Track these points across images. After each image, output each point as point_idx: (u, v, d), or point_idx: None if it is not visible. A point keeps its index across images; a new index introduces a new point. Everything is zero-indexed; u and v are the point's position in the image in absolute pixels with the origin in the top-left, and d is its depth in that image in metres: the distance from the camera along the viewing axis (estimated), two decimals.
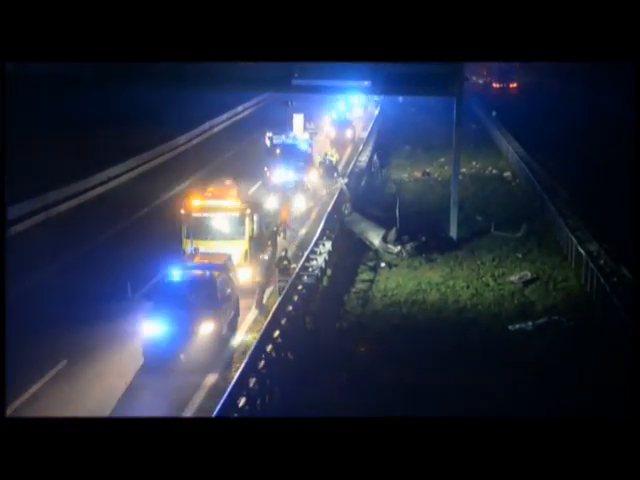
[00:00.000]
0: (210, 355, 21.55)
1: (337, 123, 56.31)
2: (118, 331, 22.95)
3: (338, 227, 33.10)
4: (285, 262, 26.79)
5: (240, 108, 69.06)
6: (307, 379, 20.70)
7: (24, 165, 33.47)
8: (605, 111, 69.18)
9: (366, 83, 33.96)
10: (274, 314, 22.66)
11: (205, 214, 27.40)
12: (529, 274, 29.37)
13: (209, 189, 28.97)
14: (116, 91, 49.35)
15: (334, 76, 32.80)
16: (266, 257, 27.53)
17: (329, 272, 29.05)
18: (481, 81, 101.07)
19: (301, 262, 27.57)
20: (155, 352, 21.13)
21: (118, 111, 56.53)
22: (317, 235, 30.76)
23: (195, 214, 27.20)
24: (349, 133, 56.09)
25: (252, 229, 27.30)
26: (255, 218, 27.55)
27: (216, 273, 23.24)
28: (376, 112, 67.50)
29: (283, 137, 43.29)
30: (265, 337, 21.21)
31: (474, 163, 50.07)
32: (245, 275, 26.36)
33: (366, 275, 30.02)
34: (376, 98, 68.95)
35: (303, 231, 34.57)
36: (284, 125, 45.08)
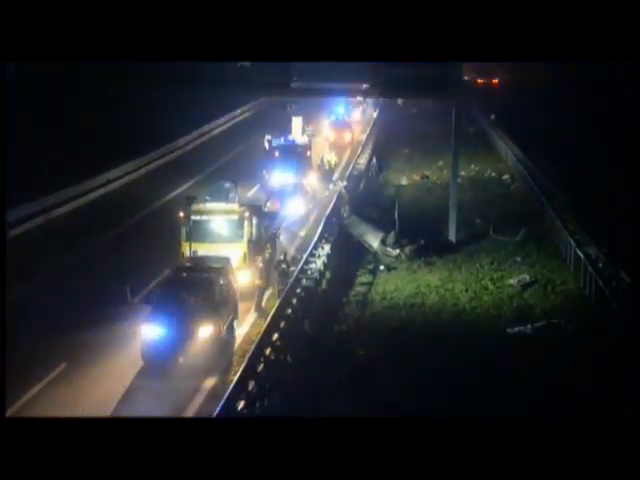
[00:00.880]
0: (209, 358, 21.50)
1: (336, 126, 56.41)
2: (117, 334, 22.90)
3: (337, 230, 33.10)
4: (284, 265, 26.83)
5: (238, 111, 69.05)
6: (306, 382, 20.66)
7: (24, 166, 33.40)
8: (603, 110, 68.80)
9: (365, 86, 33.97)
10: (273, 317, 22.65)
11: (204, 217, 27.37)
12: (528, 277, 29.37)
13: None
14: (115, 92, 49.25)
15: (333, 79, 32.78)
16: (265, 259, 27.50)
17: (328, 275, 29.04)
18: (467, 77, 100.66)
19: (300, 265, 27.58)
20: (154, 355, 21.08)
21: (117, 113, 56.45)
22: (316, 238, 30.76)
23: (194, 217, 27.17)
24: (347, 136, 56.15)
25: (251, 232, 27.25)
26: (254, 221, 27.53)
27: (215, 276, 23.20)
28: (375, 115, 67.50)
29: (282, 140, 43.34)
30: (264, 340, 21.19)
31: (473, 166, 50.03)
32: (244, 278, 26.29)
33: (365, 278, 30.01)
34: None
35: (302, 233, 34.54)
36: (283, 128, 45.05)
